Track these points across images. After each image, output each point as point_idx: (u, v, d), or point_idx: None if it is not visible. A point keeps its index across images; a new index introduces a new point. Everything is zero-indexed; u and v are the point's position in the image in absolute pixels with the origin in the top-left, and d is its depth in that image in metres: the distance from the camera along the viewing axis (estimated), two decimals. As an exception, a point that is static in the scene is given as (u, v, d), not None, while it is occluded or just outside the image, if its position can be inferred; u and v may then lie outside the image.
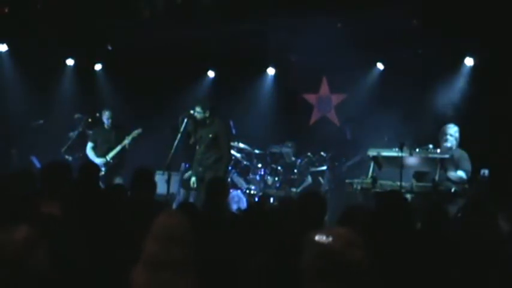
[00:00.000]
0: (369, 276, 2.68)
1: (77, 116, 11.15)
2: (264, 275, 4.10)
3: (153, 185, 6.03)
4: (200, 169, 9.59)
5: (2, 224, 3.09)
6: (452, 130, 8.87)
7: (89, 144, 10.78)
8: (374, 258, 2.77)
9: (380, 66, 11.68)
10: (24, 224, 3.04)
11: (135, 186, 5.96)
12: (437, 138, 8.94)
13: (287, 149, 11.26)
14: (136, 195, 5.82)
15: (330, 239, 2.73)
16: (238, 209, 10.39)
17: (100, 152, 10.64)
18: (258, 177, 11.00)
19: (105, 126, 10.70)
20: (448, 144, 8.77)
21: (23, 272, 2.94)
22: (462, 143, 8.94)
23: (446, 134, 8.85)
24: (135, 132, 10.59)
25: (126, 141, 10.55)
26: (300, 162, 11.11)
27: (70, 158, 10.61)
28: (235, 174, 11.18)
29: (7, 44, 12.16)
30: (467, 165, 8.63)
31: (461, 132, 8.92)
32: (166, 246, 3.59)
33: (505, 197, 7.80)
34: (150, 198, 5.90)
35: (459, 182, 8.49)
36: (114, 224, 4.85)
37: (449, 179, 8.50)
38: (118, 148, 10.54)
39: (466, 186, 8.48)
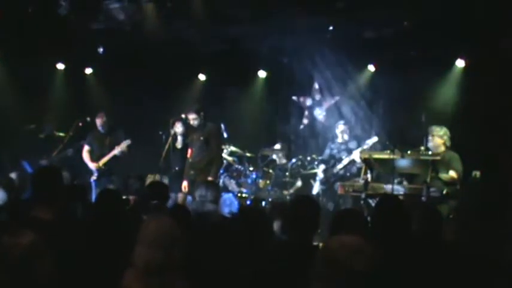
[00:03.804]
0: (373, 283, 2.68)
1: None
2: (254, 278, 4.09)
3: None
4: (192, 172, 9.60)
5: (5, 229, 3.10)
6: (435, 131, 8.90)
7: (86, 147, 10.65)
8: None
9: (371, 68, 11.68)
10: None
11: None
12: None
13: (279, 152, 11.24)
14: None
15: (337, 246, 2.74)
16: (230, 212, 10.38)
17: (95, 156, 10.54)
18: (249, 181, 10.96)
19: (100, 131, 10.64)
20: (430, 144, 8.83)
21: (27, 276, 2.94)
22: (454, 143, 8.97)
23: (428, 135, 8.91)
24: (124, 143, 10.41)
25: (117, 154, 10.46)
26: (292, 165, 11.08)
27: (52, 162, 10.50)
28: (227, 178, 11.15)
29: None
30: (458, 165, 8.66)
31: (452, 133, 8.96)
32: (160, 251, 3.58)
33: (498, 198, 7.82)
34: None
35: (450, 182, 8.52)
36: (110, 229, 4.84)
37: (440, 179, 8.53)
38: (109, 155, 10.40)
39: (458, 187, 8.51)
